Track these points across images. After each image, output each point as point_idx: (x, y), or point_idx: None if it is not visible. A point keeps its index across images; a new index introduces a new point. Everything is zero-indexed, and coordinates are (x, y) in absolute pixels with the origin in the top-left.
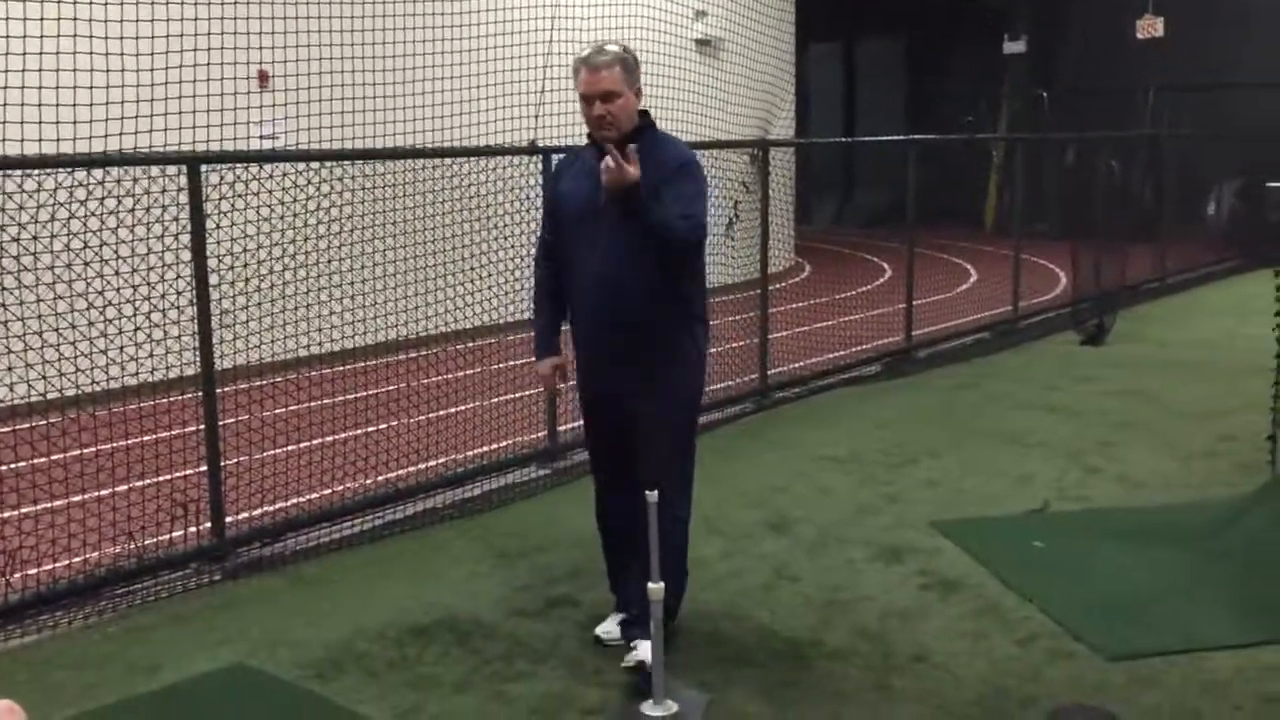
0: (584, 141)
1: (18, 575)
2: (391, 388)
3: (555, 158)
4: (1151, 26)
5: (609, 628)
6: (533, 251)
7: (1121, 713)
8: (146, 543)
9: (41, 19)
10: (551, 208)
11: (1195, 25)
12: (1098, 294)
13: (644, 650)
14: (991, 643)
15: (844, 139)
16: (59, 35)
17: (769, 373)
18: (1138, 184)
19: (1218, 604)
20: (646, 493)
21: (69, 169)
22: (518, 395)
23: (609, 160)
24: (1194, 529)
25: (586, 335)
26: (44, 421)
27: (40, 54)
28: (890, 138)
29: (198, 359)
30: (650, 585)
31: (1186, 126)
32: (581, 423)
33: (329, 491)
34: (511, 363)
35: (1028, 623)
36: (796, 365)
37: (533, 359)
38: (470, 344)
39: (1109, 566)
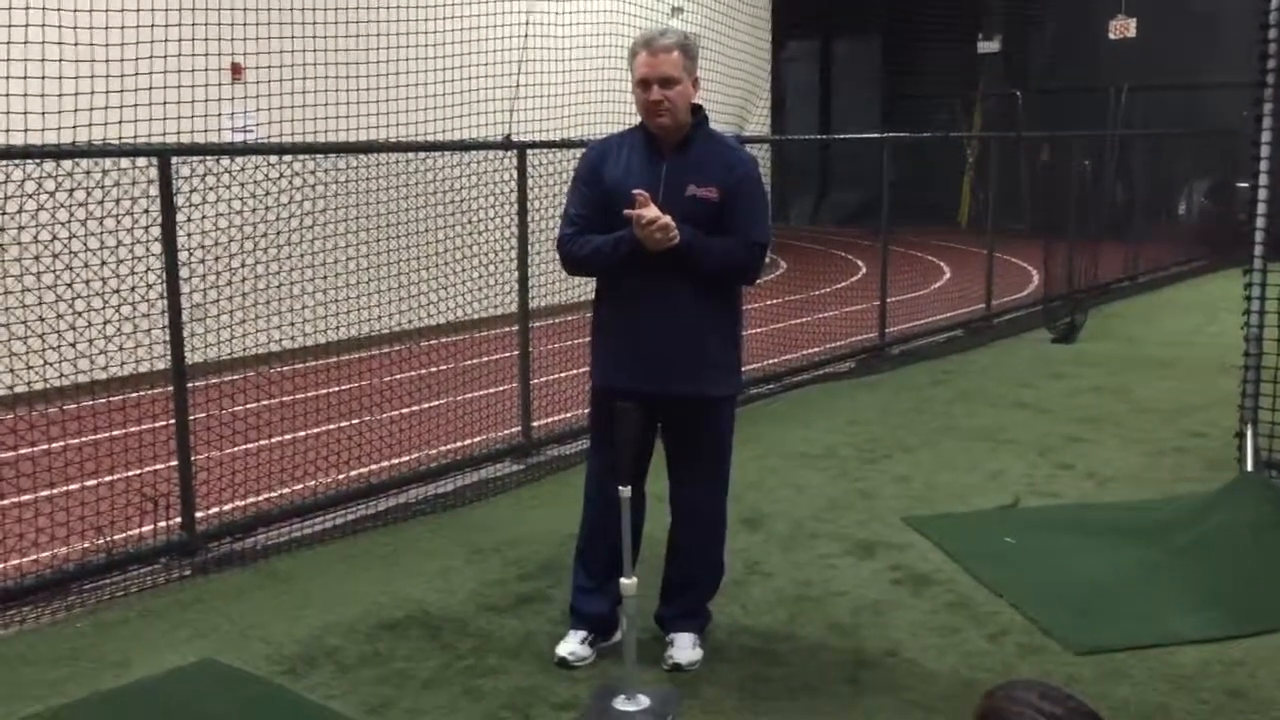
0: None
1: None
2: (364, 382)
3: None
4: (1124, 27)
5: (574, 647)
6: (506, 247)
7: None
8: (116, 537)
9: (10, 8)
10: (600, 197)
11: (1167, 26)
12: (1069, 292)
13: (684, 647)
14: (962, 637)
15: (819, 136)
16: (28, 25)
17: (743, 369)
18: (1110, 183)
19: (1185, 599)
20: (620, 489)
21: (38, 160)
22: (491, 391)
23: (639, 214)
24: (1163, 525)
25: (627, 327)
26: (12, 415)
27: (9, 44)
28: (864, 135)
29: (168, 353)
30: (624, 580)
31: (1158, 126)
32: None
33: (300, 486)
34: (485, 359)
35: (998, 617)
36: (771, 361)
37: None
38: (444, 339)
39: (1079, 562)
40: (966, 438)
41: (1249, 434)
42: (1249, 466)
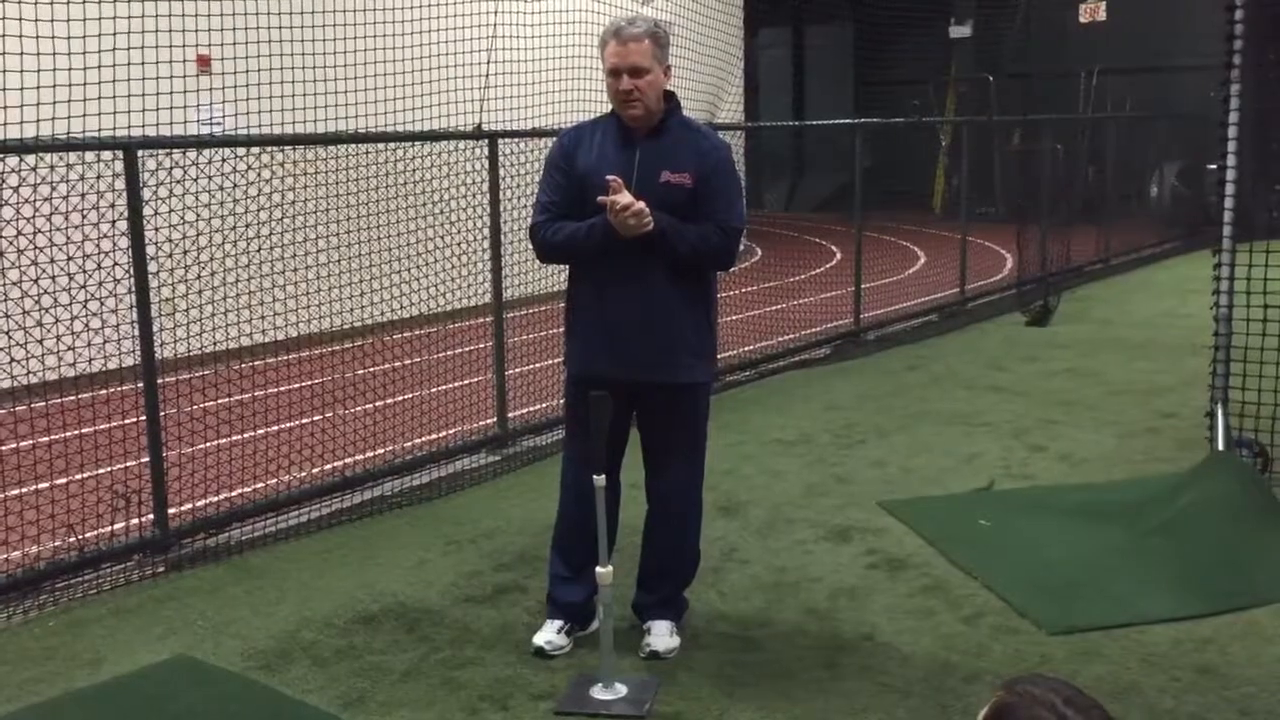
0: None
1: None
2: (337, 376)
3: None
4: (1094, 10)
5: (550, 637)
6: (477, 236)
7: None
8: (88, 535)
9: None
10: (573, 183)
11: (1136, 9)
12: (1043, 275)
13: (661, 635)
14: (938, 620)
15: (791, 123)
16: None
17: (719, 356)
18: (1081, 166)
19: (1157, 578)
20: (595, 477)
21: (1, 155)
22: (466, 382)
23: (614, 200)
24: (1135, 505)
25: (601, 314)
26: None
27: None
28: (837, 121)
29: (137, 348)
30: (600, 569)
31: (1128, 109)
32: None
33: (274, 481)
34: (459, 350)
35: (973, 599)
36: (747, 349)
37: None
38: (418, 331)
39: (1052, 543)
40: (941, 422)
41: (1219, 413)
42: (1219, 445)
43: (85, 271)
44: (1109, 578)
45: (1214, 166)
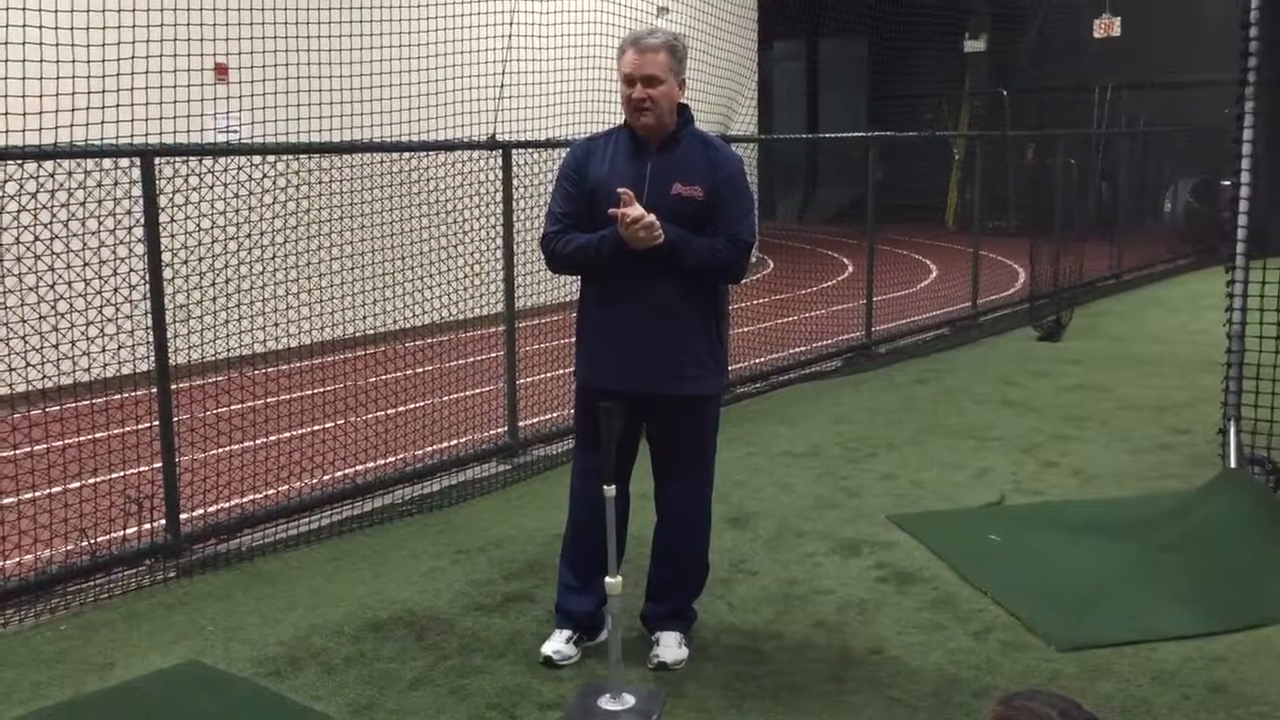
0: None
1: None
2: (349, 383)
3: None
4: (1109, 26)
5: (559, 646)
6: (495, 248)
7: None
8: (100, 539)
9: None
10: (585, 194)
11: (1151, 25)
12: (1055, 290)
13: (669, 646)
14: (947, 634)
15: (804, 135)
16: (8, 25)
17: (729, 368)
18: (1095, 181)
19: (1168, 595)
20: (605, 488)
21: (19, 161)
22: (477, 391)
23: (624, 212)
24: (1146, 521)
25: (611, 326)
26: None
27: None
28: (850, 134)
29: (152, 354)
30: (609, 580)
31: (1142, 125)
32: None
33: (286, 488)
34: (471, 359)
35: (983, 615)
36: (758, 361)
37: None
38: (430, 340)
39: (1063, 559)
40: (952, 436)
41: (1231, 430)
42: (1231, 463)
43: (101, 277)
44: (1120, 594)
45: (1228, 182)
